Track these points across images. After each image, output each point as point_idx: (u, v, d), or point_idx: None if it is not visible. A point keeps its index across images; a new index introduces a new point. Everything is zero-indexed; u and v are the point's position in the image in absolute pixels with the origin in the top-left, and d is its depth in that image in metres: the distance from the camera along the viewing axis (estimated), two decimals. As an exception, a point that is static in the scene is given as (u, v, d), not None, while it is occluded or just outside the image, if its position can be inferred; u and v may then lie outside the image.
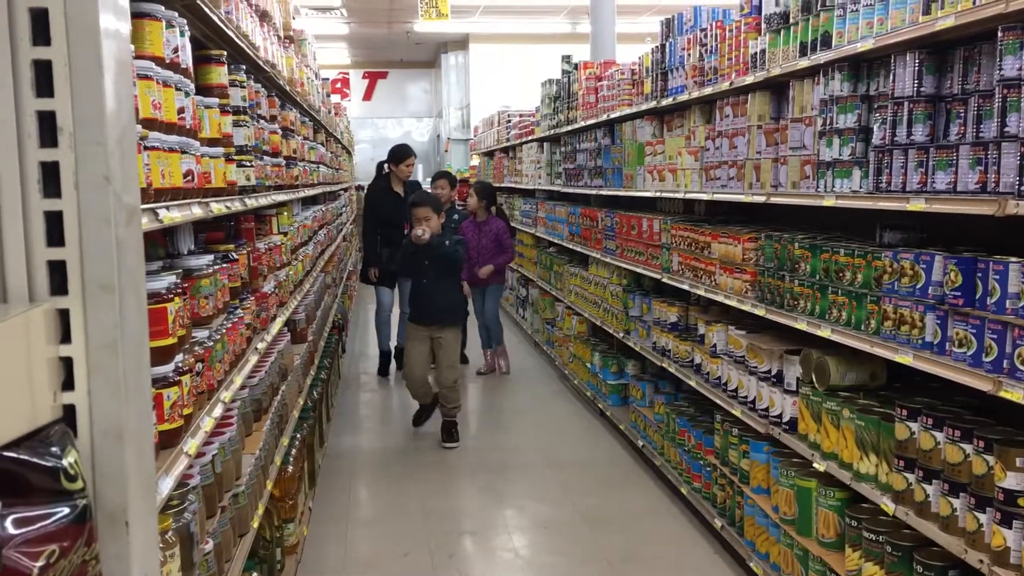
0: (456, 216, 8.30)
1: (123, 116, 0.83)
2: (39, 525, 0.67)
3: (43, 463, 0.70)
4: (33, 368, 0.75)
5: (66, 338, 0.82)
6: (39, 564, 0.65)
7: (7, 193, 0.81)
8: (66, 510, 0.70)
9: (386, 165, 8.46)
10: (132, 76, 0.92)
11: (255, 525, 3.15)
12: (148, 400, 0.90)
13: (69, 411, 0.82)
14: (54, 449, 0.71)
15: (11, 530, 0.64)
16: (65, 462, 0.72)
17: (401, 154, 8.37)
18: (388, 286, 8.42)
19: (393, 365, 8.58)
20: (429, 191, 8.76)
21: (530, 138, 10.02)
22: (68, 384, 0.82)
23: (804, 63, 3.51)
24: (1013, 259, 2.43)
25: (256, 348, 3.29)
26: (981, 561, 2.51)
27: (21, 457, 0.68)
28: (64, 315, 0.82)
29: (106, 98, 0.80)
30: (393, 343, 8.61)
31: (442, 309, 6.25)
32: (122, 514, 0.81)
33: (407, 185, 8.45)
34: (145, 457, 0.87)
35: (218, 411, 2.49)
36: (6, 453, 0.67)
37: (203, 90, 2.79)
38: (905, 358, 2.85)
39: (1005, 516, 2.43)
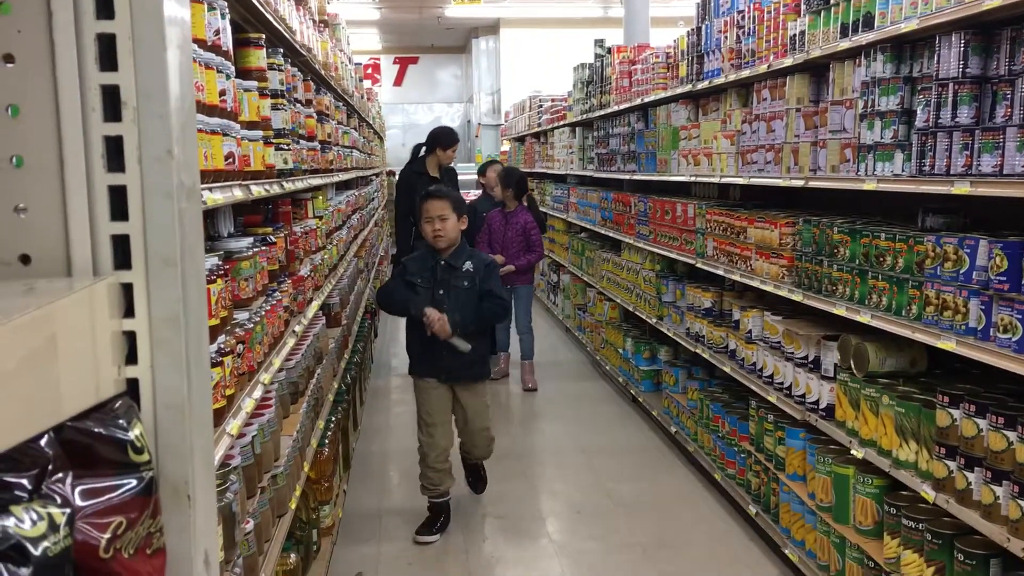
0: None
1: (185, 91, 0.84)
2: (107, 497, 0.67)
3: (111, 435, 0.70)
4: (98, 341, 0.76)
5: (129, 312, 0.83)
6: (107, 536, 0.66)
7: (72, 167, 0.81)
8: (133, 482, 0.71)
9: (423, 148, 7.75)
10: (190, 47, 0.92)
11: (293, 506, 3.17)
12: (208, 375, 0.91)
13: (132, 385, 0.83)
14: (121, 422, 0.72)
15: (79, 501, 0.65)
16: (132, 434, 0.72)
17: (449, 139, 7.64)
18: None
19: None
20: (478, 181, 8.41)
21: (562, 123, 9.98)
22: (131, 358, 0.83)
23: (845, 44, 3.46)
24: (1061, 243, 2.39)
25: (294, 331, 3.31)
26: (1024, 550, 2.48)
27: (91, 428, 0.69)
28: (127, 289, 0.83)
29: (169, 72, 0.80)
30: None
31: (462, 364, 4.54)
32: (185, 488, 0.81)
33: (443, 172, 7.74)
34: (205, 432, 0.88)
35: (258, 393, 2.51)
36: (76, 424, 0.68)
37: (242, 73, 2.80)
38: (948, 344, 2.81)
39: (1050, 504, 2.40)
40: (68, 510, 0.61)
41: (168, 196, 0.81)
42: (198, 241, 0.89)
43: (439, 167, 7.66)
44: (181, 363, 0.82)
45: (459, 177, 8.44)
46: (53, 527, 0.58)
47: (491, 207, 7.55)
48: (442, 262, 4.47)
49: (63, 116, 0.80)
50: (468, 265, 4.49)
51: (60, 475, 0.63)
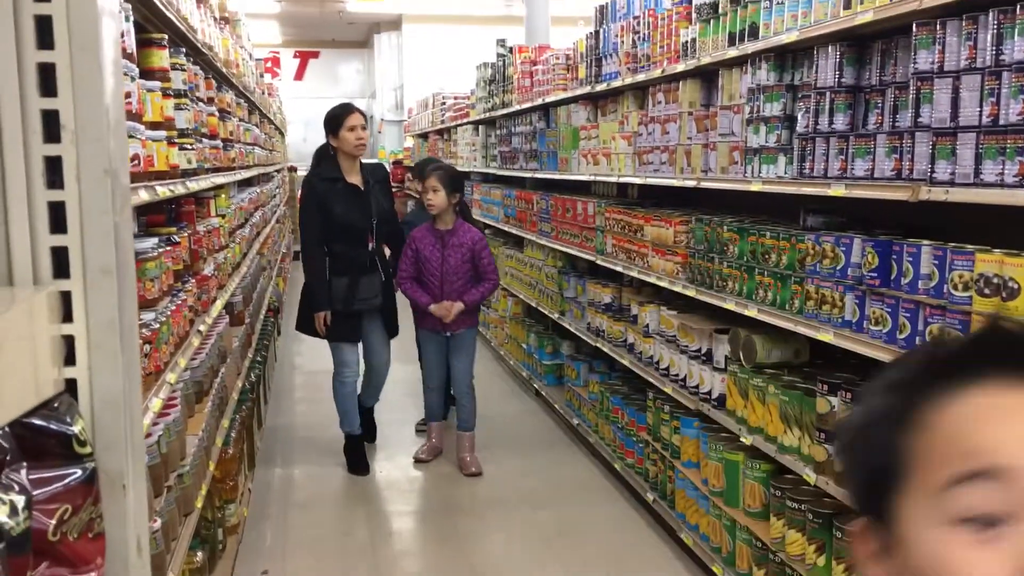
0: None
1: (117, 113, 0.89)
2: (54, 485, 0.74)
3: (58, 430, 0.76)
4: (38, 346, 0.81)
5: (67, 317, 0.88)
6: (54, 521, 0.72)
7: (14, 185, 0.86)
8: (78, 472, 0.77)
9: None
10: (122, 70, 0.98)
11: (199, 505, 3.19)
12: (138, 374, 0.97)
13: (70, 384, 0.88)
14: (65, 417, 0.78)
15: (31, 490, 0.71)
16: (75, 429, 0.78)
17: (341, 111, 5.27)
18: (350, 339, 5.38)
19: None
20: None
21: (465, 120, 10.07)
22: (70, 359, 0.88)
23: (733, 52, 3.64)
24: (925, 242, 2.60)
25: (198, 330, 3.32)
26: (895, 525, 2.68)
27: (39, 424, 0.75)
28: (66, 296, 0.89)
29: (106, 97, 0.86)
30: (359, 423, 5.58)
31: None
32: (120, 478, 0.88)
33: (366, 170, 5.41)
34: (137, 426, 0.94)
35: (164, 392, 2.52)
36: (25, 421, 0.74)
37: (145, 73, 2.80)
38: (826, 336, 3.01)
39: (916, 482, 2.60)
40: (25, 496, 0.67)
41: (105, 212, 0.87)
42: (131, 248, 0.95)
43: (355, 163, 5.34)
44: (117, 364, 0.88)
45: None
46: (14, 511, 0.64)
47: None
48: None
49: (5, 138, 0.85)
50: None
51: (15, 466, 0.70)
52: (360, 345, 5.47)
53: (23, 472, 0.70)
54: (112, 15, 0.90)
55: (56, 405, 0.80)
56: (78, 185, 0.87)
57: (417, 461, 5.57)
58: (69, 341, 0.88)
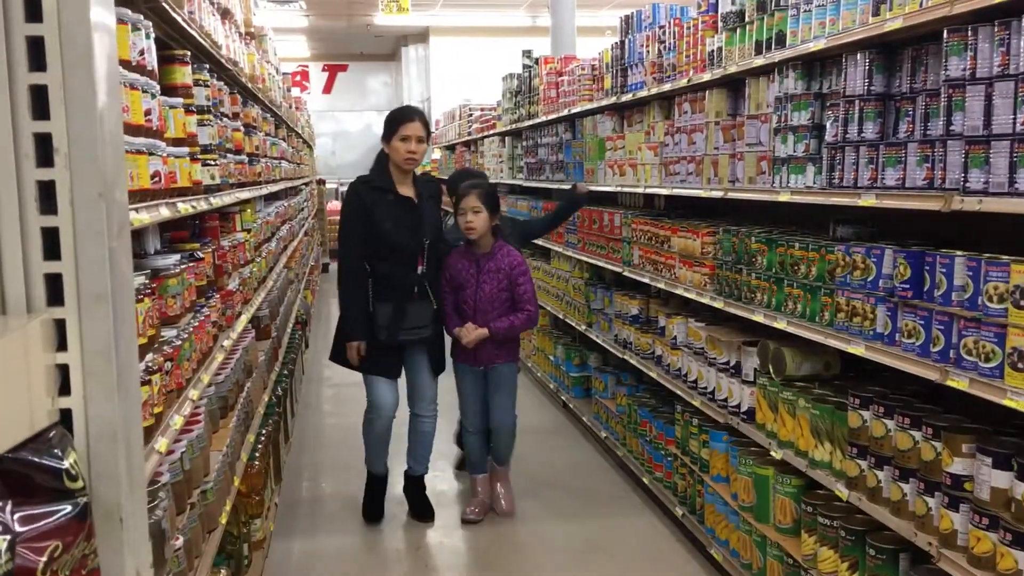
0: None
1: (113, 131, 0.87)
2: (43, 522, 0.71)
3: (48, 464, 0.74)
4: (32, 375, 0.79)
5: (62, 345, 0.86)
6: (43, 559, 0.70)
7: (6, 210, 0.85)
8: (68, 508, 0.75)
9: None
10: (119, 90, 0.96)
11: (223, 521, 3.18)
12: (138, 402, 0.94)
13: (65, 414, 0.86)
14: (56, 451, 0.76)
15: (18, 527, 0.69)
16: (67, 463, 0.76)
17: (396, 117, 4.62)
18: (388, 375, 4.73)
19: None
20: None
21: (492, 132, 10.07)
22: (64, 389, 0.86)
23: (759, 61, 3.59)
24: (959, 253, 2.53)
25: (222, 346, 3.31)
26: (930, 544, 2.61)
27: (28, 459, 0.72)
28: (60, 324, 0.87)
29: (98, 118, 0.84)
30: (397, 464, 5.10)
31: None
32: (117, 511, 0.85)
33: (420, 183, 4.74)
34: (135, 456, 0.92)
35: (187, 409, 2.51)
36: (13, 455, 0.71)
37: (167, 90, 2.81)
38: (857, 349, 2.94)
39: (952, 500, 2.54)
40: (9, 537, 0.65)
41: (99, 236, 0.85)
42: (128, 274, 0.93)
43: (408, 175, 4.65)
44: (113, 393, 0.86)
45: None
46: (-5, 553, 0.62)
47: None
48: None
49: (-3, 162, 0.84)
50: None
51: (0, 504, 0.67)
52: (399, 381, 4.81)
53: (8, 510, 0.68)
54: (106, 31, 0.88)
55: (50, 437, 0.78)
56: (72, 210, 0.85)
57: (466, 522, 4.84)
58: (63, 370, 0.86)
